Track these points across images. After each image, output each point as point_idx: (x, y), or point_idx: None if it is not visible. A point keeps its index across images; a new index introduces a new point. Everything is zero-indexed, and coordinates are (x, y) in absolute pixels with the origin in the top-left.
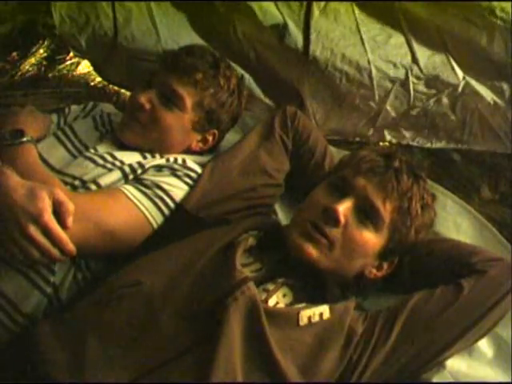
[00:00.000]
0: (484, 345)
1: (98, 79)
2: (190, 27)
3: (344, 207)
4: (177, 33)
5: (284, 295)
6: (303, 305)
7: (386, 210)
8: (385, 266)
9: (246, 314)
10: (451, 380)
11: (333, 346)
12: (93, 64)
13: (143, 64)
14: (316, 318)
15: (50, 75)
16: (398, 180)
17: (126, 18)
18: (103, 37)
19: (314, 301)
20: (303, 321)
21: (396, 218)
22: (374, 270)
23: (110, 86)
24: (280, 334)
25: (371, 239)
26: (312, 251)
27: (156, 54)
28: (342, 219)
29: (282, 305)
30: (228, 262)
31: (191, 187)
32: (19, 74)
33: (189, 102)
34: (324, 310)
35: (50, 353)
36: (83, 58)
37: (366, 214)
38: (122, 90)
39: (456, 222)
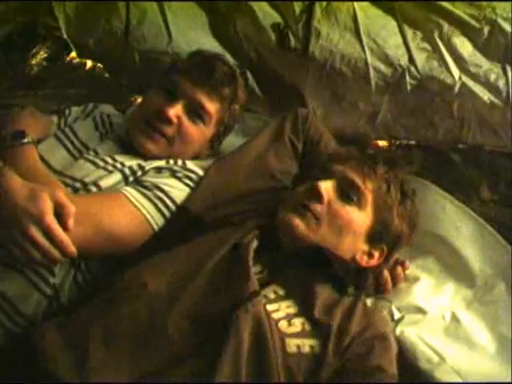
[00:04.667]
0: (486, 340)
1: (99, 80)
2: (200, 28)
3: (325, 185)
4: (186, 33)
5: (288, 307)
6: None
7: (366, 187)
8: (375, 254)
9: (254, 326)
10: (452, 373)
11: None
12: (102, 64)
13: (155, 64)
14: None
15: (50, 76)
16: (375, 163)
17: (139, 18)
18: (113, 37)
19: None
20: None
21: (377, 196)
22: (366, 257)
23: (110, 86)
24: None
25: (355, 215)
26: (299, 223)
27: (167, 53)
28: (325, 196)
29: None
30: (240, 269)
31: (191, 188)
32: (20, 74)
33: (214, 117)
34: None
35: (55, 352)
36: (91, 58)
37: (348, 192)
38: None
39: (456, 225)
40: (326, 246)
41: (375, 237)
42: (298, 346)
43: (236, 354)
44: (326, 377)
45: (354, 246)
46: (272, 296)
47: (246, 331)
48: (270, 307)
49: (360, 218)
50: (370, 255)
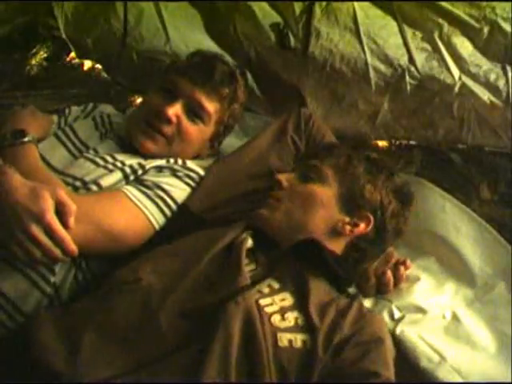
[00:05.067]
0: (487, 339)
1: (99, 80)
2: (197, 28)
3: (283, 175)
4: (184, 32)
5: (282, 300)
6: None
7: (325, 165)
8: (360, 223)
9: (244, 319)
10: (453, 372)
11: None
12: (101, 64)
13: (153, 64)
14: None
15: (50, 76)
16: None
17: (136, 18)
18: (112, 37)
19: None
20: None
21: (338, 169)
22: (349, 227)
23: (109, 86)
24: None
25: (317, 189)
26: (262, 211)
27: (165, 53)
28: (284, 182)
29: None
30: (233, 265)
31: (192, 188)
32: (20, 74)
33: (214, 117)
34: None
35: (49, 342)
36: (90, 58)
37: (308, 173)
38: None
39: (455, 224)
40: (298, 223)
41: (349, 205)
42: (290, 341)
43: (225, 347)
44: (318, 373)
45: (329, 217)
46: (266, 290)
47: (236, 324)
48: (263, 301)
49: (322, 190)
50: (355, 224)
